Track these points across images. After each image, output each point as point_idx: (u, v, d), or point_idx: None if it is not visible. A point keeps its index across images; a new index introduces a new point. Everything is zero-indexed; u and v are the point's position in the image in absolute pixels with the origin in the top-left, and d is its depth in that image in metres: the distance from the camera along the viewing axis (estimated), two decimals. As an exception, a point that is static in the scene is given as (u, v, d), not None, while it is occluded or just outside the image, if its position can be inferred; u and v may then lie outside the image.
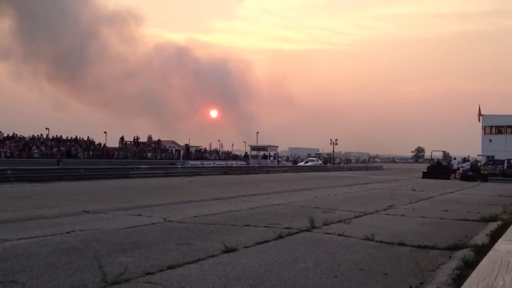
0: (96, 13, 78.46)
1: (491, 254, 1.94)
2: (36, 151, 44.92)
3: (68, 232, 9.02)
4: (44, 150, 46.06)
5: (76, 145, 51.30)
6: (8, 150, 42.84)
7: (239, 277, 6.08)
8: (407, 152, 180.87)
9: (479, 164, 43.64)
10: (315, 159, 73.77)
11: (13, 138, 47.20)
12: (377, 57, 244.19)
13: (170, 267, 6.42)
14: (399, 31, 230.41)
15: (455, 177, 39.55)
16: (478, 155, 53.95)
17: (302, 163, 66.58)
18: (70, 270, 6.23)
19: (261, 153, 63.72)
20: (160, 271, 6.27)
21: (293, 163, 73.33)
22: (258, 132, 77.16)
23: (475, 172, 38.05)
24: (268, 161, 59.78)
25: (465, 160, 47.02)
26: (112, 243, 8.15)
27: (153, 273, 6.14)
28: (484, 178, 36.34)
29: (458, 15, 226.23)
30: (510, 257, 1.79)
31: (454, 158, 48.96)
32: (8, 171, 24.57)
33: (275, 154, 65.15)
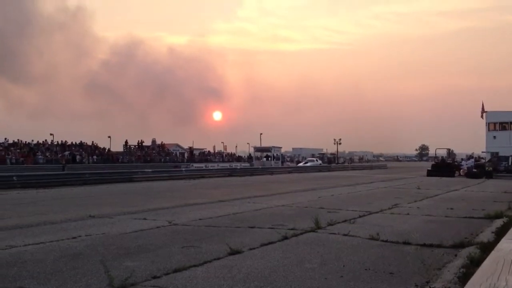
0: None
1: (494, 253, 1.95)
2: (41, 156, 45.10)
3: (74, 237, 9.07)
4: (49, 156, 46.24)
5: (81, 150, 51.49)
6: (13, 157, 43.03)
7: (245, 279, 6.10)
8: (411, 150, 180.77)
9: (482, 160, 43.52)
10: (314, 159, 73.63)
11: (18, 144, 47.41)
12: (379, 56, 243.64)
13: (176, 271, 6.45)
14: (400, 29, 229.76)
15: (459, 175, 39.46)
16: (482, 152, 53.80)
17: (301, 164, 66.48)
18: (76, 275, 6.26)
19: (265, 154, 63.61)
20: (166, 274, 6.30)
21: (297, 164, 73.29)
22: (261, 133, 77.28)
23: (479, 169, 37.95)
24: (272, 162, 59.72)
25: (469, 157, 46.88)
26: (118, 247, 8.18)
27: (159, 277, 6.17)
28: (489, 175, 36.24)
29: (458, 12, 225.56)
30: None
31: (462, 159, 48.68)
32: (14, 178, 24.66)
33: (278, 155, 65.07)
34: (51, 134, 52.87)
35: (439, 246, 8.34)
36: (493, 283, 1.42)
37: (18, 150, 45.52)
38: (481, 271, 1.59)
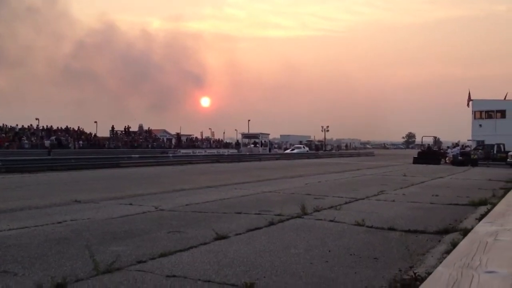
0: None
1: (470, 235, 1.98)
2: (26, 141, 44.64)
3: (60, 222, 9.02)
4: (35, 141, 45.78)
5: (67, 135, 51.04)
6: (-2, 141, 42.55)
7: (231, 264, 6.12)
8: (398, 138, 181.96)
9: (468, 148, 43.96)
10: (301, 146, 73.83)
11: (2, 129, 46.85)
12: (368, 43, 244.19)
13: (161, 255, 6.45)
14: (389, 16, 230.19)
15: (445, 162, 39.84)
16: (468, 140, 54.31)
17: (288, 151, 66.64)
18: (61, 259, 6.24)
19: (253, 140, 63.62)
20: (152, 259, 6.30)
21: (284, 150, 73.45)
22: (249, 120, 77.19)
23: (465, 157, 38.35)
24: (260, 148, 59.76)
25: (455, 145, 47.33)
26: (104, 232, 8.15)
27: (144, 262, 6.17)
28: (474, 163, 36.64)
29: (448, 0, 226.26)
30: (488, 238, 1.83)
31: (448, 147, 49.07)
32: (-2, 162, 24.41)
33: (266, 141, 65.12)
34: (36, 119, 52.32)
35: (423, 232, 8.44)
36: (467, 263, 1.43)
37: (3, 135, 45.00)
38: (456, 252, 1.61)
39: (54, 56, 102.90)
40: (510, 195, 4.68)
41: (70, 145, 48.16)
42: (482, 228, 2.17)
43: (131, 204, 11.77)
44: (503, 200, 3.91)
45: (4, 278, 5.44)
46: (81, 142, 50.82)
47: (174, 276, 5.56)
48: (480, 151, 41.06)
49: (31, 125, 50.30)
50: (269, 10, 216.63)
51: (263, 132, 66.09)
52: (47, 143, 44.67)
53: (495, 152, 40.77)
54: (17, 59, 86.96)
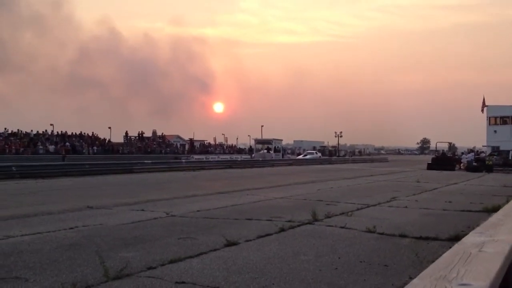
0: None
1: (456, 246, 1.96)
2: (41, 147, 45.14)
3: (71, 228, 9.09)
4: (49, 146, 46.28)
5: (81, 140, 51.51)
6: (13, 147, 43.08)
7: (240, 270, 6.12)
8: (413, 143, 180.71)
9: (483, 154, 43.46)
10: (314, 152, 73.68)
11: (18, 134, 47.44)
12: (381, 49, 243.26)
13: (171, 261, 6.47)
14: (401, 22, 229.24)
15: (460, 168, 39.44)
16: (483, 146, 53.75)
17: (301, 156, 66.48)
18: (72, 265, 6.29)
19: (266, 146, 63.58)
20: (162, 265, 6.32)
21: (297, 156, 73.27)
22: (262, 126, 77.20)
23: (479, 163, 37.93)
24: (273, 154, 59.66)
25: (470, 151, 46.85)
26: (115, 238, 8.21)
27: (154, 268, 6.19)
28: (489, 169, 36.22)
29: (460, 6, 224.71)
30: (473, 249, 1.81)
31: (462, 153, 48.56)
32: (13, 168, 24.73)
33: (279, 147, 65.03)
34: (51, 125, 52.86)
35: (435, 239, 8.35)
36: (444, 275, 1.42)
37: (18, 140, 45.55)
38: (437, 263, 1.60)
39: (66, 63, 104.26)
40: (510, 205, 4.61)
41: (84, 151, 48.61)
42: (470, 238, 2.15)
43: (143, 210, 11.83)
44: (501, 211, 3.86)
45: (16, 284, 5.50)
46: (95, 147, 51.25)
47: (183, 282, 5.57)
48: (495, 157, 40.56)
49: (45, 130, 50.89)
50: (281, 16, 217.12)
51: (276, 138, 66.02)
52: (51, 148, 45.01)
53: (510, 158, 40.27)
54: (25, 65, 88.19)
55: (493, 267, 1.56)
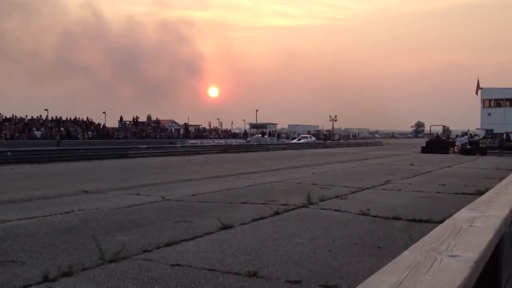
0: None
1: (448, 221, 1.99)
2: (36, 132, 44.98)
3: (67, 212, 9.13)
4: (44, 131, 46.11)
5: (76, 125, 51.33)
6: (8, 132, 42.91)
7: (235, 253, 6.19)
8: (407, 127, 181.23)
9: (477, 137, 43.65)
10: (308, 136, 73.64)
11: (12, 119, 47.21)
12: (376, 31, 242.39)
13: (167, 245, 6.53)
14: (397, 4, 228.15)
15: (454, 151, 39.64)
16: (477, 129, 53.97)
17: (295, 141, 66.52)
18: (68, 249, 6.34)
19: (260, 130, 63.57)
20: (157, 248, 6.39)
21: (291, 140, 73.32)
22: (257, 110, 77.06)
23: (473, 146, 38.14)
24: (268, 138, 59.70)
25: (464, 134, 47.05)
26: (111, 222, 8.26)
27: (150, 251, 6.25)
28: (483, 152, 36.43)
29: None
30: (464, 223, 1.84)
31: (456, 136, 48.71)
32: (8, 153, 24.67)
33: (273, 131, 65.04)
34: (45, 110, 52.54)
35: (428, 221, 8.44)
36: (435, 247, 1.46)
37: (13, 126, 45.36)
38: (428, 237, 1.63)
39: (57, 48, 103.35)
40: (502, 183, 4.66)
41: (79, 136, 48.45)
42: (461, 214, 2.19)
43: (138, 194, 11.88)
44: (493, 189, 3.91)
45: (12, 267, 5.55)
46: (90, 132, 51.09)
47: (178, 265, 5.64)
48: (489, 139, 40.74)
49: (40, 116, 50.61)
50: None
51: (271, 122, 65.97)
52: (38, 134, 44.74)
53: (505, 140, 40.47)
54: (16, 50, 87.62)
55: (483, 240, 1.59)
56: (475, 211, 2.25)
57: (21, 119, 48.06)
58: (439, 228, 1.80)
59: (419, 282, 1.15)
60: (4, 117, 46.98)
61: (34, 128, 46.20)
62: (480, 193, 12.09)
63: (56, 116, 51.73)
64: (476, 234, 1.68)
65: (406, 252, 1.43)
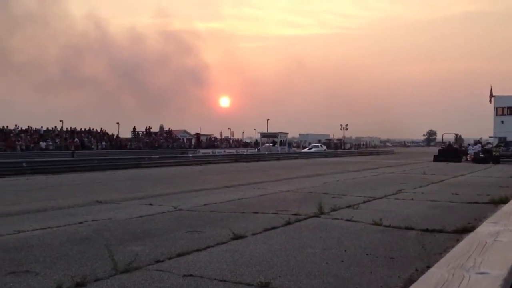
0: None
1: (471, 235, 1.99)
2: (51, 143, 45.46)
3: (81, 222, 9.21)
4: (59, 142, 46.61)
5: (90, 136, 51.79)
6: (23, 143, 43.43)
7: (247, 263, 6.20)
8: (419, 135, 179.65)
9: (490, 146, 43.19)
10: (319, 145, 73.47)
11: (28, 131, 47.81)
12: (387, 40, 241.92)
13: (179, 255, 6.57)
14: (408, 12, 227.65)
15: (466, 160, 39.29)
16: (490, 137, 53.44)
17: (305, 150, 66.36)
18: (82, 259, 6.40)
19: (271, 140, 63.54)
20: (170, 258, 6.42)
21: (302, 149, 73.12)
22: (268, 119, 77.15)
23: (486, 154, 37.75)
24: (279, 148, 59.63)
25: (476, 142, 46.63)
26: (124, 232, 8.32)
27: (162, 261, 6.29)
28: (496, 160, 36.04)
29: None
30: (488, 238, 1.84)
31: (469, 144, 48.28)
32: (24, 164, 24.94)
33: (284, 140, 64.96)
34: (60, 121, 53.20)
35: (441, 231, 8.39)
36: (461, 263, 1.45)
37: (29, 137, 45.92)
38: (453, 252, 1.63)
39: (72, 60, 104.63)
40: None
41: (93, 146, 48.88)
42: (484, 228, 2.17)
43: (151, 204, 11.94)
44: None
45: (26, 277, 5.61)
46: (103, 143, 51.52)
47: (191, 275, 5.67)
48: (502, 148, 40.30)
49: (55, 127, 51.20)
50: (285, 8, 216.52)
51: (281, 131, 65.95)
52: (42, 144, 45.10)
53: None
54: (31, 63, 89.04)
55: (509, 255, 1.59)
56: (498, 225, 2.24)
57: (37, 130, 48.63)
58: (464, 243, 1.80)
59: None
60: (20, 129, 47.60)
61: (57, 140, 46.69)
62: (494, 202, 12.00)
63: (70, 127, 52.32)
64: (501, 249, 1.67)
65: (433, 269, 1.43)
